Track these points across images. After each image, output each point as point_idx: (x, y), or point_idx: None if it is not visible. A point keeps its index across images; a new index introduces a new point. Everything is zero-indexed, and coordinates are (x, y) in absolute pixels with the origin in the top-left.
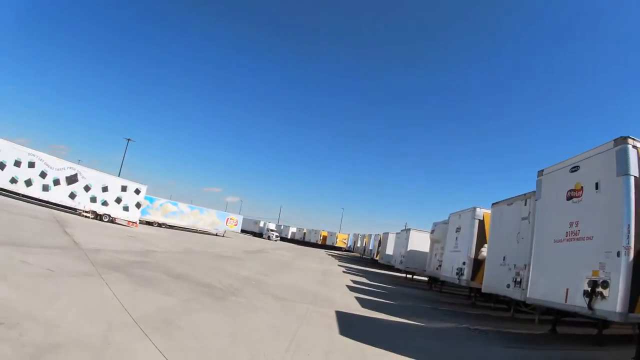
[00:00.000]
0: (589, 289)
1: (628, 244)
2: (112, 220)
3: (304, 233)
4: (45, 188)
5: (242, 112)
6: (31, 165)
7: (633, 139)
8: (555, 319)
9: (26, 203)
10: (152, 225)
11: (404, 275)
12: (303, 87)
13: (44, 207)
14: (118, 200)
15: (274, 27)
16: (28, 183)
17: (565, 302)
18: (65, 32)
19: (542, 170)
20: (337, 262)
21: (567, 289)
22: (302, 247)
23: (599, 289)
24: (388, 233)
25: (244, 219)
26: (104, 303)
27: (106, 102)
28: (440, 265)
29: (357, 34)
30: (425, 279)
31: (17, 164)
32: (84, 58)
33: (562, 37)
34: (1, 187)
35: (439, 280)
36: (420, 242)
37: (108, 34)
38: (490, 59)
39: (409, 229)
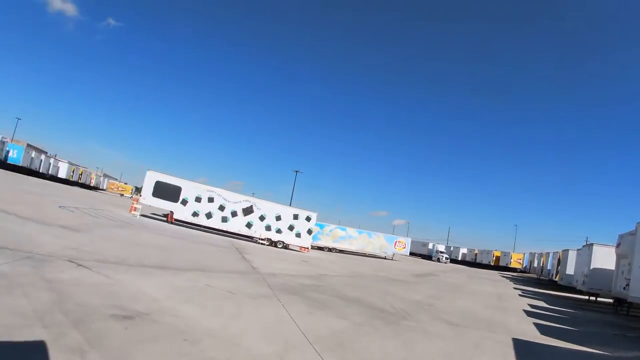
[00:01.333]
0: None
1: None
2: (285, 247)
3: (475, 254)
4: (224, 219)
5: (407, 137)
6: (210, 200)
7: None
8: None
9: (207, 233)
10: (323, 250)
11: (586, 297)
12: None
13: (223, 237)
14: (291, 228)
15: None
16: (208, 216)
17: None
18: (233, 85)
19: None
20: (512, 284)
21: None
22: (474, 268)
23: None
24: (568, 250)
25: (412, 241)
26: (281, 324)
27: (275, 139)
28: (627, 285)
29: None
30: (610, 300)
31: (198, 199)
32: (249, 103)
33: None
34: (185, 219)
35: (626, 302)
36: (605, 258)
37: (274, 77)
38: None
39: (592, 244)
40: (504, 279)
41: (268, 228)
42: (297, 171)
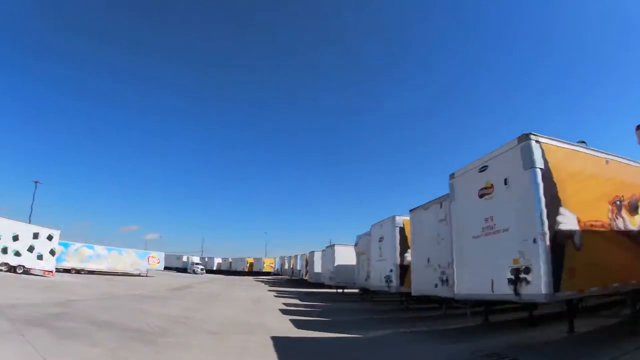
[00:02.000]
0: (513, 276)
1: (542, 230)
2: (27, 272)
3: (230, 262)
4: None
5: (150, 147)
6: None
7: (535, 135)
8: (486, 310)
9: None
10: (70, 273)
11: (335, 290)
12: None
13: None
14: (31, 249)
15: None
16: None
17: (492, 292)
18: None
19: (454, 173)
20: (267, 287)
21: (492, 280)
22: (230, 277)
23: (523, 275)
24: (314, 251)
25: (165, 255)
26: None
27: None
28: (369, 276)
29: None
30: (357, 291)
31: None
32: None
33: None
34: None
35: (370, 291)
36: (346, 256)
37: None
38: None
39: (334, 245)
40: (259, 283)
41: (4, 251)
42: (36, 181)
